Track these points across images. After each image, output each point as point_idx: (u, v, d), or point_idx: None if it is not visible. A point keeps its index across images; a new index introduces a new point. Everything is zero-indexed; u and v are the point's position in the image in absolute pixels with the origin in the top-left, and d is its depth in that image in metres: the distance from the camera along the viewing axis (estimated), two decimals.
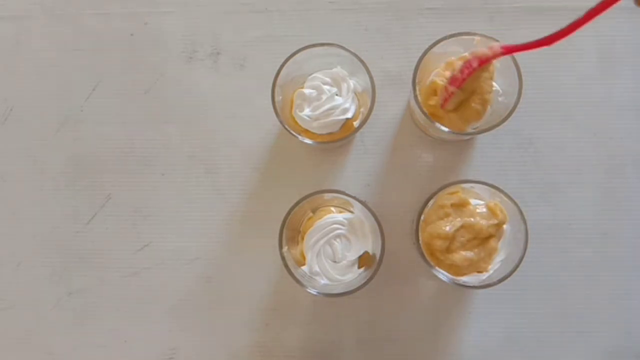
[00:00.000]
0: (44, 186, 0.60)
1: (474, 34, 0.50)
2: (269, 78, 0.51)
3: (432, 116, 0.51)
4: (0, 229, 0.60)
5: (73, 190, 0.60)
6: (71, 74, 0.61)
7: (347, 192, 0.50)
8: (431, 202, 0.51)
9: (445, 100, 0.49)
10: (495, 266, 0.51)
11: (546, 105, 0.58)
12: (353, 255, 0.51)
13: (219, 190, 0.59)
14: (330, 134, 0.53)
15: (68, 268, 0.59)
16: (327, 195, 0.52)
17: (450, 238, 0.50)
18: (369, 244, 0.52)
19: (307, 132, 0.53)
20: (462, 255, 0.50)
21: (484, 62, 0.46)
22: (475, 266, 0.51)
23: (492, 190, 0.50)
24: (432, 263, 0.50)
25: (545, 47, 0.43)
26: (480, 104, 0.51)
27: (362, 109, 0.54)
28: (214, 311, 0.58)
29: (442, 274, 0.50)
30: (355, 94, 0.53)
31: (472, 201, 0.52)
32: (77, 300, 0.59)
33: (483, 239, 0.51)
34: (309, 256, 0.51)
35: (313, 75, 0.53)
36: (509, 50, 0.45)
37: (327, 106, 0.52)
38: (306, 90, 0.52)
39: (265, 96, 0.51)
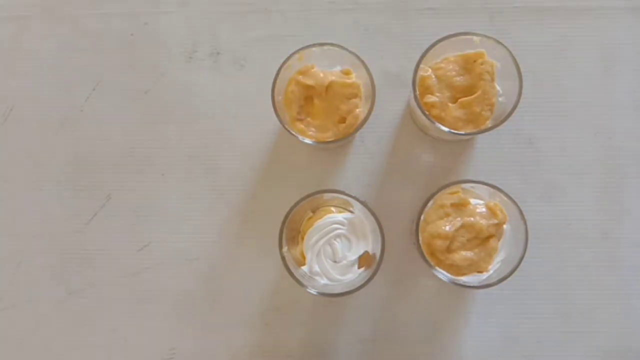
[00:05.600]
0: (44, 186, 0.60)
1: (474, 34, 0.50)
2: (269, 78, 0.51)
3: (436, 118, 0.51)
4: (0, 229, 0.60)
5: (73, 190, 0.60)
6: (71, 74, 0.61)
7: (347, 192, 0.50)
8: (431, 202, 0.51)
9: None
10: (495, 266, 0.51)
11: (546, 105, 0.58)
12: (353, 255, 0.51)
13: (219, 190, 0.59)
14: (330, 134, 0.53)
15: (68, 268, 0.59)
16: (327, 195, 0.52)
17: (451, 238, 0.50)
18: (369, 244, 0.52)
19: (307, 132, 0.53)
20: (462, 255, 0.50)
21: None
22: (475, 266, 0.51)
23: (492, 190, 0.50)
24: (432, 263, 0.50)
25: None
26: (488, 109, 0.51)
27: (362, 109, 0.53)
28: (214, 311, 0.58)
29: (442, 274, 0.50)
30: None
31: (472, 201, 0.52)
32: (77, 300, 0.59)
33: (483, 239, 0.51)
34: (309, 256, 0.51)
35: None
36: None
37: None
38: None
39: (265, 96, 0.51)
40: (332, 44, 0.51)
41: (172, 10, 0.61)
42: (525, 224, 0.49)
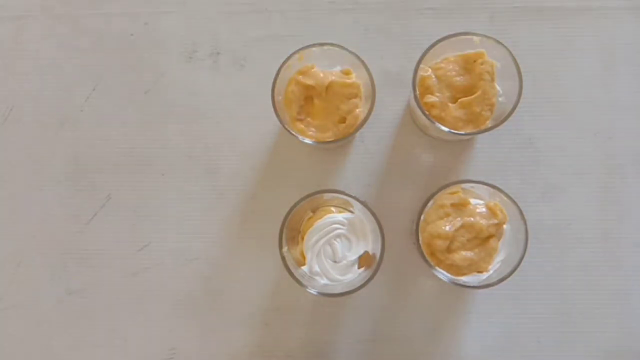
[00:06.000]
0: (44, 186, 0.60)
1: (474, 34, 0.50)
2: (269, 78, 0.51)
3: (436, 118, 0.51)
4: (0, 229, 0.60)
5: (73, 190, 0.60)
6: (71, 74, 0.61)
7: (347, 192, 0.50)
8: (431, 202, 0.51)
9: None
10: (495, 266, 0.51)
11: (546, 105, 0.58)
12: (353, 255, 0.51)
13: (219, 190, 0.59)
14: (330, 134, 0.53)
15: (68, 268, 0.59)
16: (327, 195, 0.52)
17: (451, 238, 0.50)
18: (369, 244, 0.52)
19: (307, 132, 0.53)
20: (462, 255, 0.50)
21: None
22: (475, 266, 0.51)
23: (492, 190, 0.50)
24: (432, 263, 0.50)
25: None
26: (488, 109, 0.51)
27: (362, 109, 0.54)
28: (214, 311, 0.58)
29: (442, 274, 0.50)
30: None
31: (472, 201, 0.52)
32: (77, 300, 0.59)
33: (483, 239, 0.51)
34: (309, 256, 0.51)
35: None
36: None
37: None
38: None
39: (265, 96, 0.51)
40: (332, 44, 0.51)
41: (172, 10, 0.61)
42: (525, 224, 0.49)
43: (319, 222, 0.52)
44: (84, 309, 0.58)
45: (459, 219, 0.50)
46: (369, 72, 0.50)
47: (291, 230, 0.52)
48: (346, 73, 0.53)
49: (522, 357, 0.56)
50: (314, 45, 0.51)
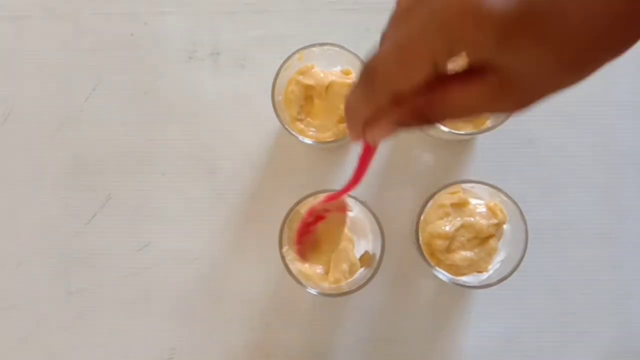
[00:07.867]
0: (44, 186, 0.60)
1: None
2: (269, 78, 0.51)
3: None
4: (0, 229, 0.60)
5: (73, 190, 0.60)
6: (71, 74, 0.61)
7: None
8: (431, 202, 0.51)
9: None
10: (495, 266, 0.51)
11: (546, 105, 0.58)
12: None
13: (219, 190, 0.59)
14: (330, 134, 0.53)
15: (68, 268, 0.59)
16: None
17: (450, 238, 0.50)
18: (369, 244, 0.52)
19: (307, 132, 0.54)
20: (462, 255, 0.50)
21: (319, 216, 0.47)
22: (475, 266, 0.51)
23: (492, 190, 0.50)
24: (432, 263, 0.50)
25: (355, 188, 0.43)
26: None
27: None
28: (214, 311, 0.58)
29: (442, 274, 0.50)
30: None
31: (472, 201, 0.52)
32: (77, 300, 0.58)
33: (483, 239, 0.51)
34: None
35: None
36: (331, 198, 0.46)
37: None
38: None
39: (265, 96, 0.51)
40: (332, 44, 0.51)
41: (172, 10, 0.61)
42: (525, 224, 0.49)
43: None
44: (84, 309, 0.58)
45: (459, 219, 0.51)
46: None
47: (291, 230, 0.52)
48: (346, 73, 0.53)
49: (522, 357, 0.56)
50: (314, 45, 0.51)
